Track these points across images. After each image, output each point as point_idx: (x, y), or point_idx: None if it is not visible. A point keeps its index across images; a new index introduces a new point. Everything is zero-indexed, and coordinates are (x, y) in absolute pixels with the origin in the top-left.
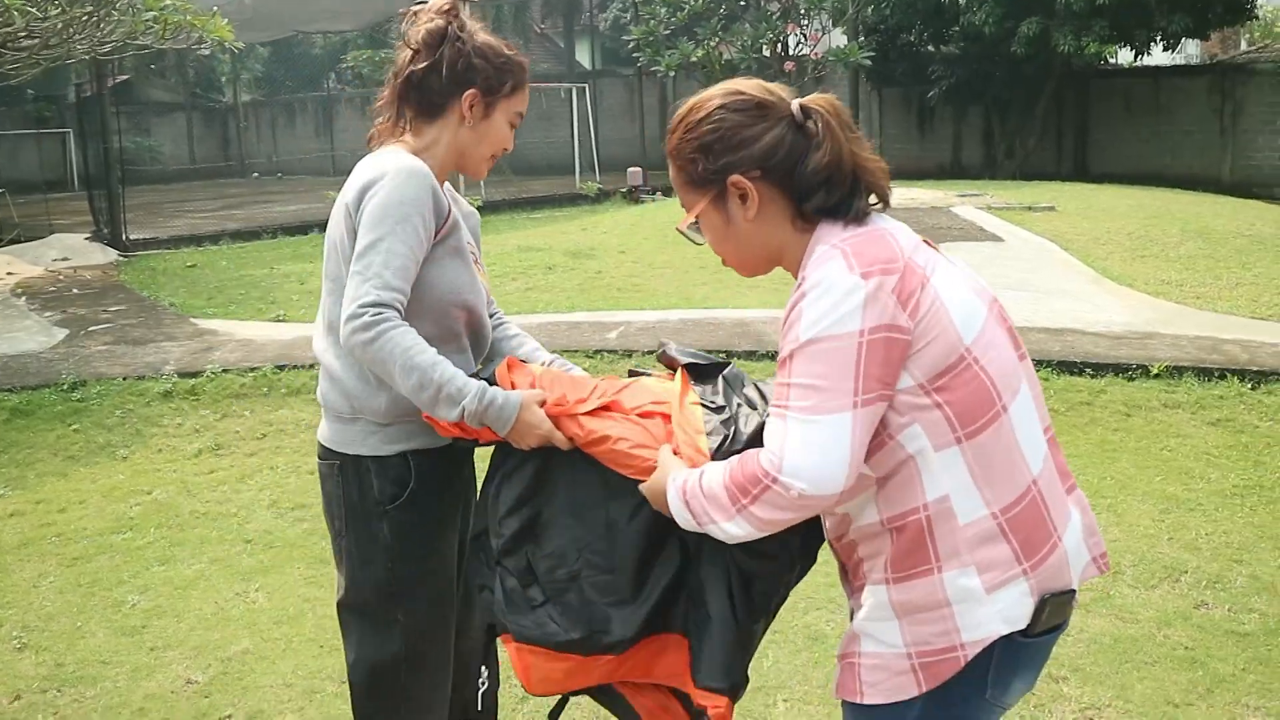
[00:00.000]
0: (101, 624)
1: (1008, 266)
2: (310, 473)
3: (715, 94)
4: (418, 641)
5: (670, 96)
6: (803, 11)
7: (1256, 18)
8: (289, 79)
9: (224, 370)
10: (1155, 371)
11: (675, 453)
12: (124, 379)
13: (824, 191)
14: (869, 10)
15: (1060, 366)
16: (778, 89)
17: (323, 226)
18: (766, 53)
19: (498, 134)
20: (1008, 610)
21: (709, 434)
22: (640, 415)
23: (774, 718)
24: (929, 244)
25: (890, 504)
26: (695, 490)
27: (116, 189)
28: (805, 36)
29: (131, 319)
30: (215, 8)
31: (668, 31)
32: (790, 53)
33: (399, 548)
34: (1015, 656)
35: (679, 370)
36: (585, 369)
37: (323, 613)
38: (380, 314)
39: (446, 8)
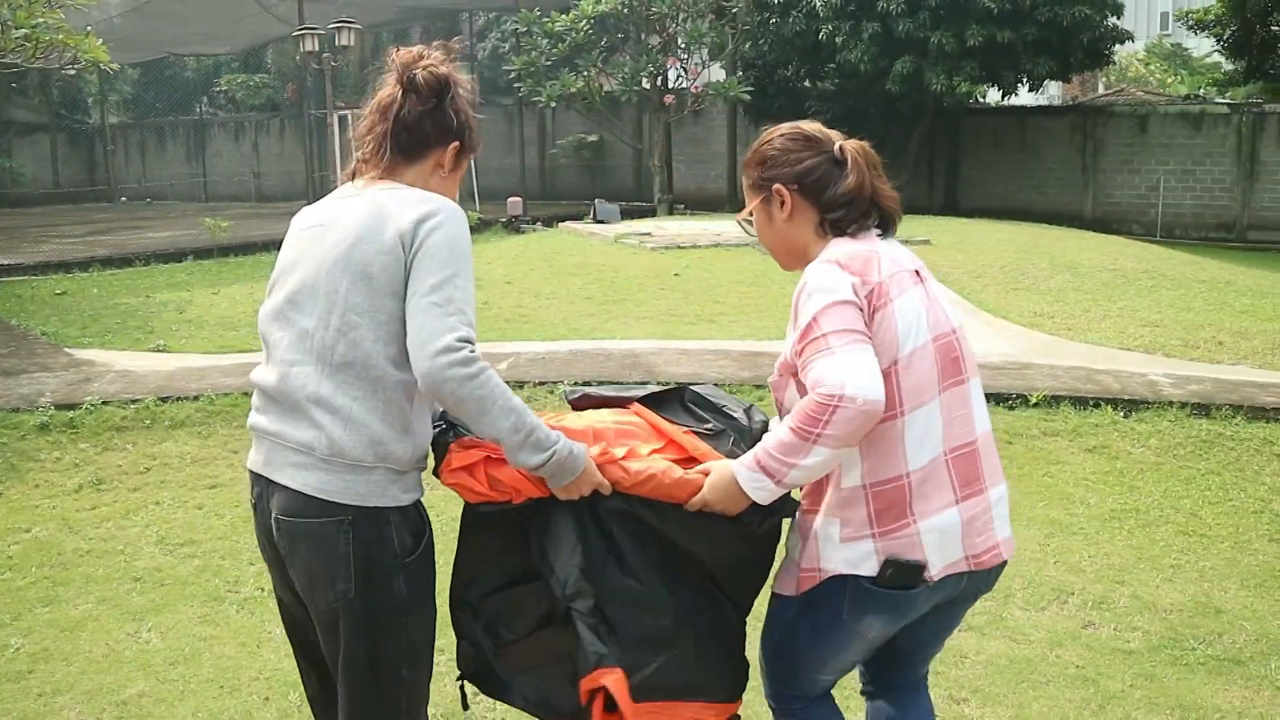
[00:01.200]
0: None
1: None
2: (198, 508)
3: (781, 127)
4: (413, 692)
5: (549, 127)
6: (682, 46)
7: (1114, 63)
8: (159, 101)
9: (104, 402)
10: (1034, 401)
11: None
12: None
13: (845, 209)
14: (747, 46)
15: None
16: (831, 133)
17: (199, 254)
18: (647, 85)
19: (455, 185)
20: (852, 558)
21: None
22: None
23: None
24: (918, 273)
25: None
26: (764, 454)
27: None
28: (685, 70)
29: (1, 349)
30: (88, 27)
31: (549, 63)
32: (670, 86)
33: (413, 600)
34: (867, 597)
35: (632, 405)
36: None
37: (219, 652)
38: (476, 351)
39: (444, 59)
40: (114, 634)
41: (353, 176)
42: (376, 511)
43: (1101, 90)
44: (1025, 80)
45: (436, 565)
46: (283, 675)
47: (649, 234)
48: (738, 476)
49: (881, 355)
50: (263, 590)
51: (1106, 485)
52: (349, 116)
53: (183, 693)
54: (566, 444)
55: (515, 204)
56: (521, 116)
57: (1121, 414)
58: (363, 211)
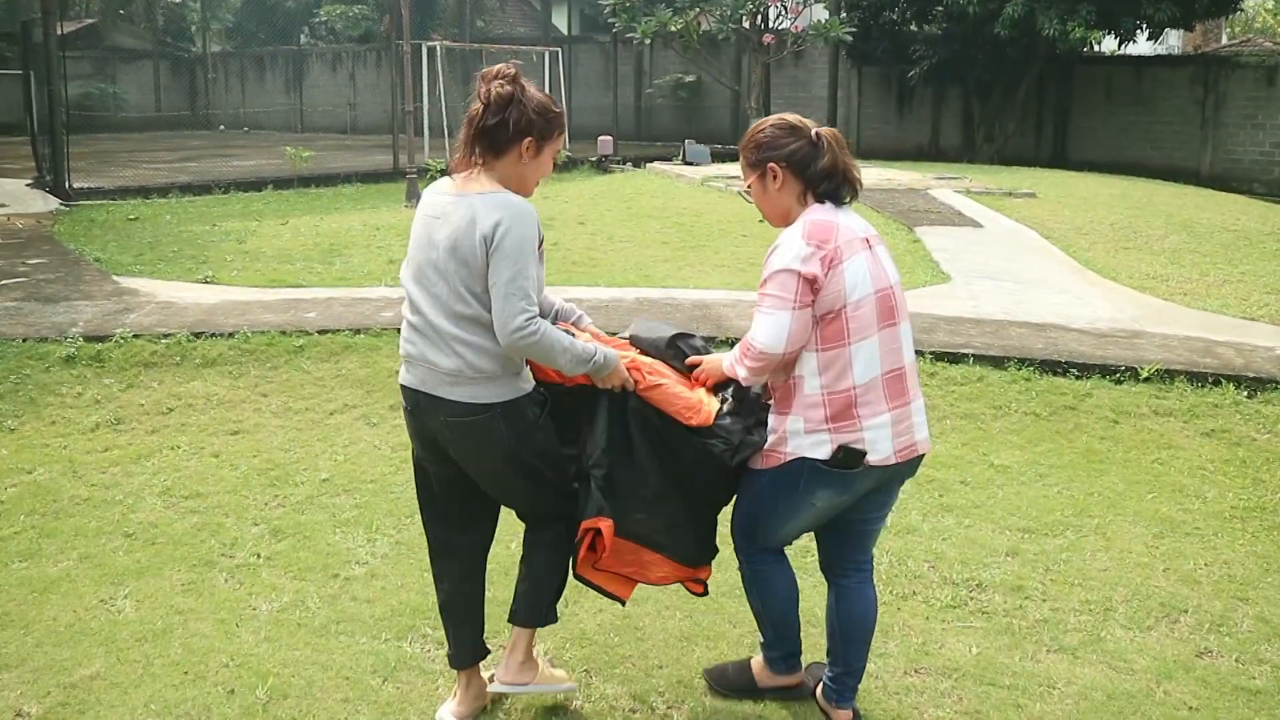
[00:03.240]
0: None
1: (986, 253)
2: (214, 455)
3: (769, 119)
4: (558, 488)
5: (647, 66)
6: None
7: (1242, 10)
8: (261, 31)
9: (135, 335)
10: (1145, 375)
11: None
12: (24, 340)
13: (825, 181)
14: None
15: (1043, 366)
16: (808, 122)
17: (279, 183)
18: (746, 24)
19: (544, 167)
20: (812, 446)
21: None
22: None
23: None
24: (867, 241)
25: (779, 373)
26: (732, 355)
27: (61, 134)
28: (786, 9)
29: (49, 274)
30: None
31: None
32: (770, 25)
33: (548, 443)
34: (818, 475)
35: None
36: None
37: (194, 630)
38: (535, 321)
39: (512, 74)
40: (86, 599)
41: (463, 168)
42: (513, 401)
43: (1225, 41)
44: (1145, 28)
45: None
46: (254, 664)
47: (738, 177)
48: (723, 361)
49: (834, 301)
50: (258, 557)
51: (1226, 476)
52: (438, 49)
53: (141, 677)
54: (602, 351)
55: (605, 143)
56: (617, 54)
57: (1245, 393)
58: (464, 213)
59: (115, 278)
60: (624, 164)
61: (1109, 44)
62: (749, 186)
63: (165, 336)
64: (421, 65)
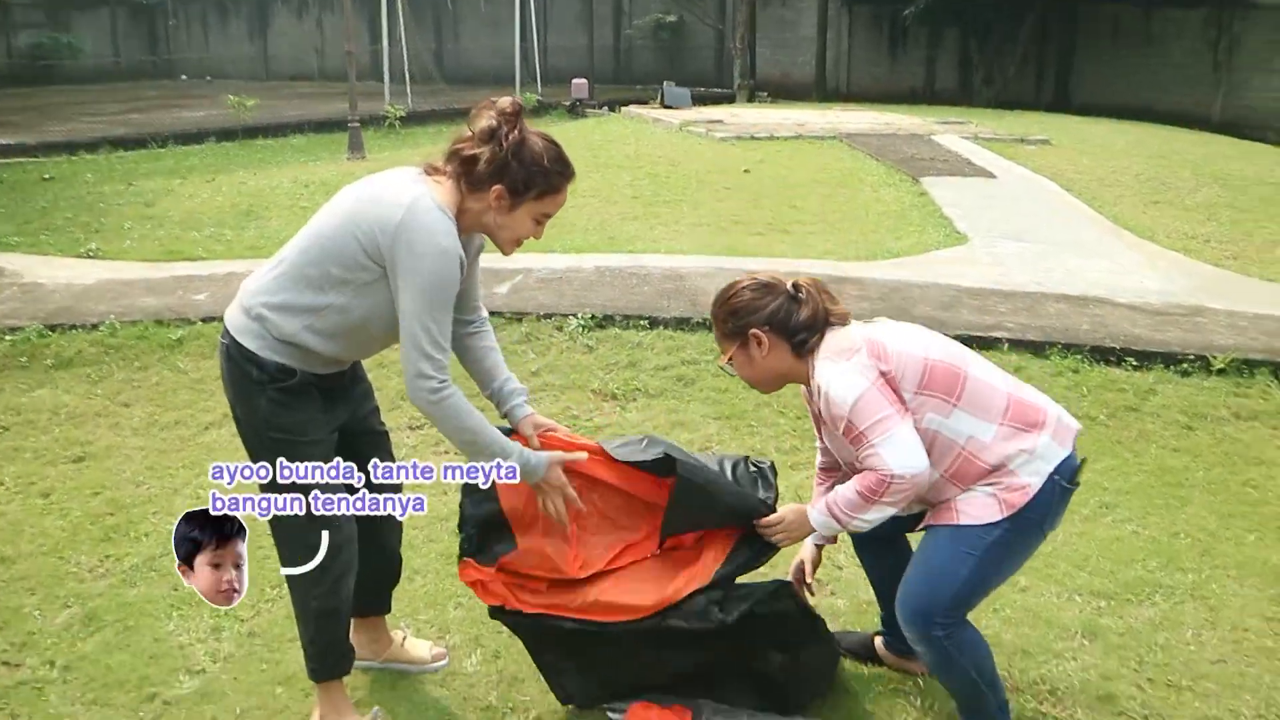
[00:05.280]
0: None
1: (1005, 208)
2: (44, 496)
3: (741, 280)
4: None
5: (626, 5)
6: None
7: None
8: None
9: None
10: (1218, 365)
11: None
12: None
13: (807, 332)
14: None
15: (1094, 354)
16: (781, 277)
17: (222, 135)
18: None
19: (519, 226)
20: (1048, 454)
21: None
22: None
23: None
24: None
25: (940, 463)
26: (835, 504)
27: None
28: None
29: None
30: None
31: None
32: None
33: (272, 417)
34: (1063, 498)
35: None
36: None
37: None
38: (446, 384)
39: (509, 111)
40: None
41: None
42: (245, 349)
43: None
44: None
45: None
46: None
47: (719, 121)
48: (810, 517)
49: (915, 364)
50: (51, 665)
51: None
52: None
53: None
54: (525, 453)
55: (580, 86)
56: None
57: None
58: (372, 190)
59: None
60: (600, 108)
61: None
62: (729, 359)
63: (13, 331)
64: (382, 6)
